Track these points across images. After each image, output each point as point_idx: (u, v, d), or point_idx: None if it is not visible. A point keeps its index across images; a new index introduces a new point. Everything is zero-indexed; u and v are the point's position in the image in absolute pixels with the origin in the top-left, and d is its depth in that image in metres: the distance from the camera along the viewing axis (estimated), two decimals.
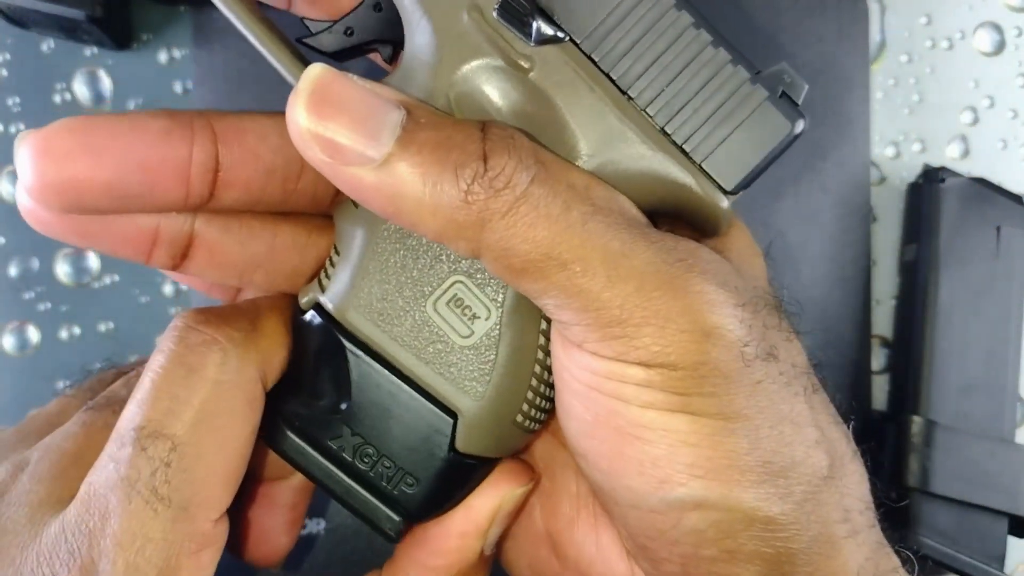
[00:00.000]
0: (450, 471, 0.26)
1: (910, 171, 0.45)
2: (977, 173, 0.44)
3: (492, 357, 0.26)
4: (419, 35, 0.25)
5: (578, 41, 0.24)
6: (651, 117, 0.24)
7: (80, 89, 0.42)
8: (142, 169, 0.24)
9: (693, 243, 0.24)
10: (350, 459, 0.26)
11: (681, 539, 0.24)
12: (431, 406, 0.26)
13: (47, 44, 0.43)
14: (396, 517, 0.27)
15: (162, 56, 0.43)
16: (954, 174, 0.43)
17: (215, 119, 0.25)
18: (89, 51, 0.43)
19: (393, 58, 0.27)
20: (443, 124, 0.23)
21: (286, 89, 0.29)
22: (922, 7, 0.45)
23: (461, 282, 0.26)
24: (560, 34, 0.24)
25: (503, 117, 0.25)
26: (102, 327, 0.42)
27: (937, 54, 0.45)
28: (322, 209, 0.28)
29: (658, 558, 0.25)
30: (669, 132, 0.24)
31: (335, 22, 0.26)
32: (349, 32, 0.26)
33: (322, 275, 0.27)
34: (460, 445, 0.26)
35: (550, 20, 0.24)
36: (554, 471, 0.29)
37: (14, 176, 0.42)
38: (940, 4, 0.45)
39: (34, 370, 0.42)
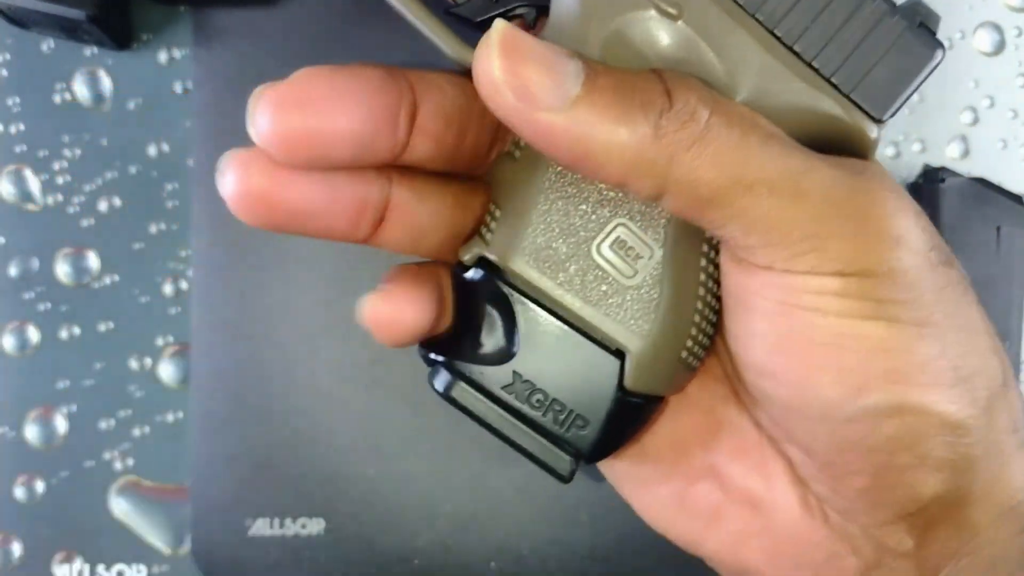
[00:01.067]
0: (620, 410, 0.27)
1: (910, 171, 0.45)
2: (977, 173, 0.44)
3: (656, 295, 0.26)
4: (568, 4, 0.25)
5: None
6: (798, 53, 0.25)
7: (80, 89, 0.42)
8: (372, 117, 0.24)
9: (863, 160, 0.25)
10: (521, 405, 0.27)
11: (878, 447, 0.24)
12: (599, 348, 0.26)
13: (47, 44, 0.43)
14: (568, 457, 0.27)
15: (162, 56, 0.43)
16: (954, 174, 0.43)
17: (407, 71, 0.26)
18: (89, 51, 0.43)
19: (535, 22, 0.28)
20: (620, 71, 0.24)
21: None
22: None
23: (624, 224, 0.26)
24: None
25: (657, 66, 0.25)
26: (102, 327, 0.42)
27: None
28: (479, 170, 0.28)
29: (847, 472, 0.25)
30: (817, 66, 0.25)
31: None
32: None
33: (483, 230, 0.28)
34: (629, 384, 0.26)
35: None
36: (712, 405, 0.29)
37: (14, 176, 0.42)
38: (940, 4, 0.45)
39: (34, 370, 0.42)
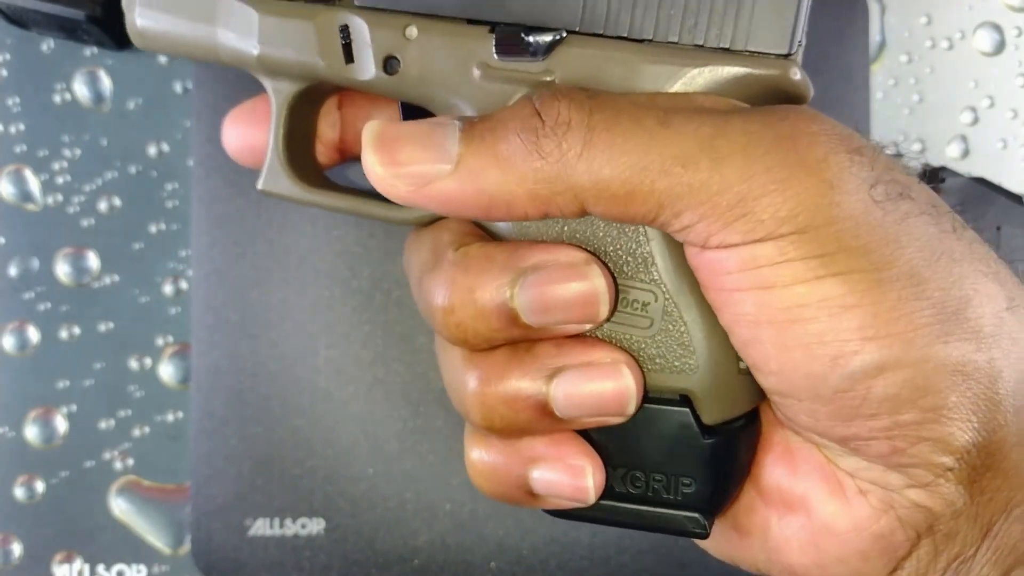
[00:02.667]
0: (715, 451, 0.26)
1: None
2: (977, 173, 0.44)
3: (683, 328, 0.25)
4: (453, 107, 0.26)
5: (577, 29, 0.25)
6: (678, 44, 0.24)
7: (80, 89, 0.42)
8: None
9: (788, 106, 0.24)
10: (625, 490, 0.26)
11: (877, 411, 0.22)
12: (663, 407, 0.26)
13: (47, 44, 0.43)
14: (695, 515, 0.26)
15: (162, 56, 0.43)
16: (954, 174, 0.43)
17: None
18: (89, 51, 0.43)
19: None
20: (497, 112, 0.24)
21: None
22: (922, 7, 0.45)
23: (621, 283, 0.26)
24: (558, 35, 0.25)
25: None
26: (102, 327, 0.42)
27: (937, 54, 0.45)
28: None
29: (862, 442, 0.23)
30: (703, 44, 0.24)
31: None
32: None
33: None
34: (708, 420, 0.26)
35: (541, 30, 0.25)
36: None
37: (14, 176, 0.42)
38: (940, 4, 0.45)
39: (34, 370, 0.42)
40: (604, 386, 0.24)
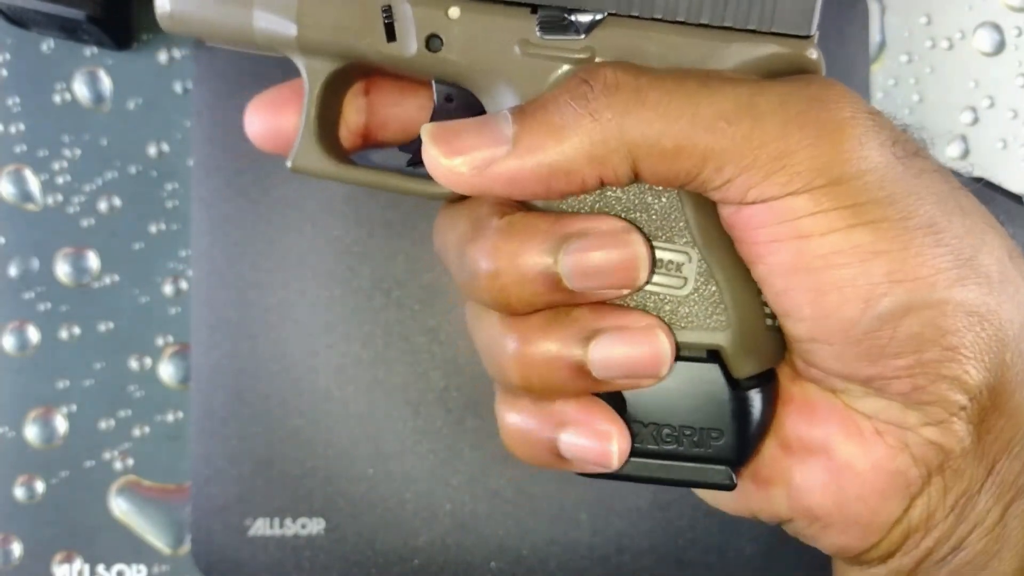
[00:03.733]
0: (742, 403, 0.27)
1: None
2: (977, 173, 0.44)
3: (714, 287, 0.27)
4: (496, 94, 0.27)
5: (615, 10, 0.26)
6: (708, 25, 0.26)
7: (80, 89, 0.42)
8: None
9: (809, 75, 0.26)
10: (656, 446, 0.28)
11: (902, 350, 0.24)
12: (694, 363, 0.27)
13: (47, 44, 0.43)
14: (723, 468, 0.28)
15: (162, 56, 0.43)
16: (954, 174, 0.43)
17: None
18: (89, 51, 0.43)
19: None
20: (544, 93, 0.25)
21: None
22: (922, 7, 0.45)
23: (653, 247, 0.27)
24: (598, 15, 0.26)
25: None
26: (102, 327, 0.42)
27: (937, 54, 0.45)
28: None
29: (886, 381, 0.25)
30: (731, 26, 0.26)
31: (413, 143, 0.30)
32: None
33: None
34: (737, 373, 0.27)
35: (582, 9, 0.26)
36: None
37: (14, 176, 0.42)
38: (940, 4, 0.45)
39: (34, 370, 0.42)
40: (639, 349, 0.26)
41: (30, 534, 0.42)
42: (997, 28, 0.45)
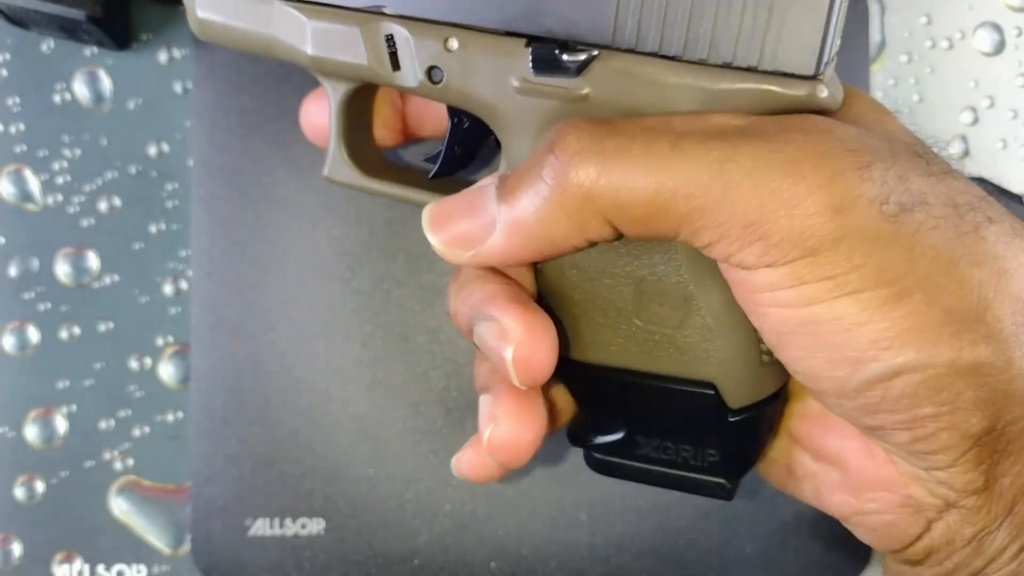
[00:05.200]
0: (736, 430, 0.28)
1: None
2: (977, 173, 0.44)
3: (710, 321, 0.27)
4: (503, 125, 0.27)
5: (609, 44, 0.25)
6: (707, 62, 0.25)
7: (80, 89, 0.42)
8: None
9: (802, 118, 0.24)
10: (657, 456, 0.29)
11: (896, 407, 0.24)
12: (690, 389, 0.28)
13: (47, 44, 0.43)
14: (720, 480, 0.29)
15: (162, 56, 0.43)
16: None
17: None
18: (89, 51, 0.43)
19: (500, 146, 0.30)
20: (525, 159, 0.26)
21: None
22: (922, 7, 0.45)
23: (643, 283, 0.27)
24: (592, 52, 0.25)
25: None
26: (102, 327, 0.42)
27: (937, 54, 0.45)
28: None
29: (885, 431, 0.25)
30: (731, 63, 0.24)
31: (440, 154, 0.32)
32: (457, 150, 0.32)
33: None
34: (733, 404, 0.28)
35: (575, 48, 0.25)
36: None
37: (14, 176, 0.42)
38: (940, 4, 0.45)
39: (34, 370, 0.42)
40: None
41: (30, 534, 0.42)
42: (997, 28, 0.45)
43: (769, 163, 0.23)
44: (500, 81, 0.26)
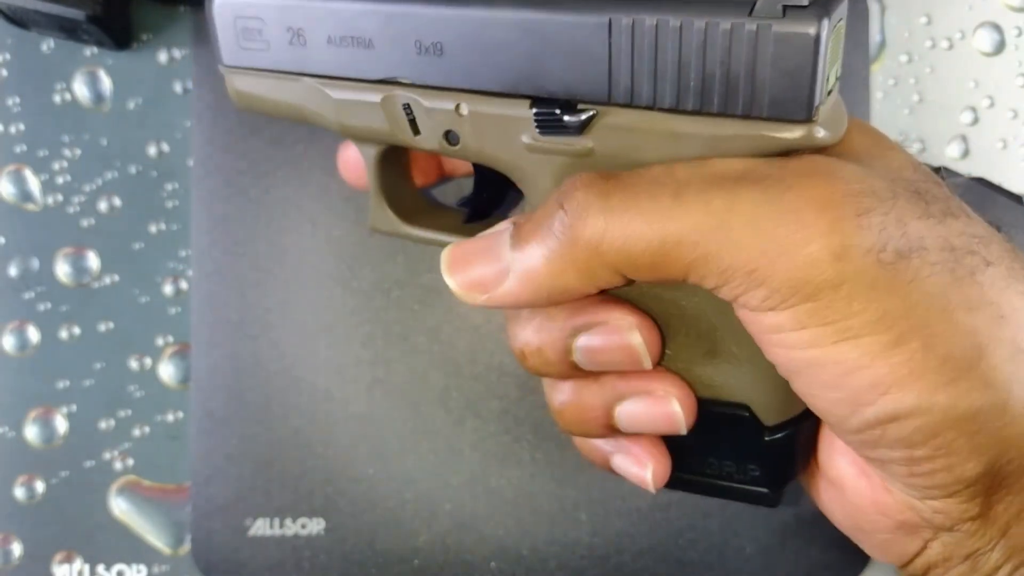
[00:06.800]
0: (775, 446, 0.29)
1: None
2: (977, 173, 0.44)
3: (734, 350, 0.28)
4: (521, 178, 0.29)
5: (606, 102, 0.26)
6: (701, 112, 0.25)
7: (80, 89, 0.42)
8: None
9: (804, 160, 0.24)
10: (701, 469, 0.31)
11: (893, 447, 0.24)
12: (727, 411, 0.29)
13: (47, 44, 0.43)
14: (763, 490, 0.30)
15: (162, 56, 0.43)
16: (954, 174, 0.43)
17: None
18: (89, 51, 0.43)
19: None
20: (538, 208, 0.27)
21: None
22: (922, 7, 0.45)
23: (667, 317, 0.28)
24: (592, 111, 0.26)
25: None
26: (102, 327, 0.42)
27: (937, 54, 0.45)
28: None
29: (884, 464, 0.26)
30: (726, 112, 0.24)
31: (473, 199, 0.34)
32: (485, 196, 0.33)
33: None
34: (768, 423, 0.28)
35: (575, 108, 0.26)
36: None
37: (14, 176, 0.42)
38: (940, 4, 0.45)
39: (34, 370, 0.42)
40: (658, 411, 0.29)
41: (30, 534, 0.42)
42: (997, 28, 0.45)
43: (769, 212, 0.23)
44: (511, 140, 0.28)
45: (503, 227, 0.28)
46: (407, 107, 0.29)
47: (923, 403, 0.23)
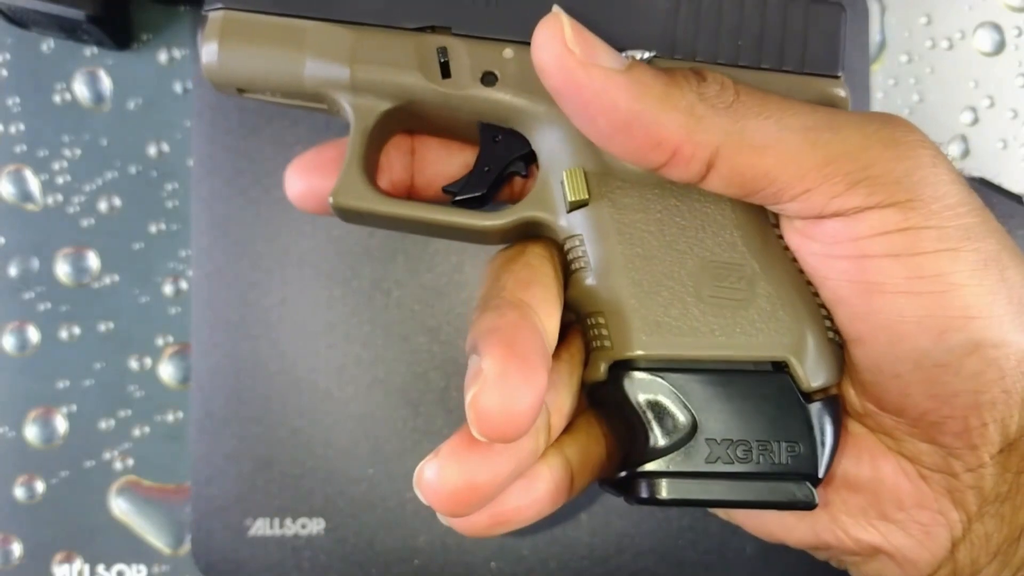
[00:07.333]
0: (817, 413, 0.27)
1: None
2: (977, 173, 0.44)
3: (774, 294, 0.27)
4: (543, 132, 0.29)
5: (657, 52, 0.28)
6: (747, 68, 0.28)
7: (80, 89, 0.42)
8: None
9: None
10: (734, 466, 0.27)
11: (963, 388, 0.24)
12: (761, 374, 0.27)
13: (47, 44, 0.43)
14: (804, 483, 0.27)
15: (162, 56, 0.43)
16: None
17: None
18: (89, 51, 0.43)
19: (526, 169, 0.31)
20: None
21: None
22: (922, 7, 0.45)
23: (703, 259, 0.27)
24: (644, 54, 0.27)
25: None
26: (102, 327, 0.42)
27: (937, 54, 0.45)
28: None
29: (941, 419, 0.25)
30: (767, 67, 0.28)
31: (471, 174, 0.31)
32: (488, 169, 0.30)
33: (597, 344, 0.28)
34: (805, 386, 0.27)
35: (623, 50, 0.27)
36: None
37: (14, 176, 0.42)
38: (940, 4, 0.45)
39: (34, 370, 0.42)
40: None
41: (30, 534, 0.42)
42: (997, 28, 0.45)
43: (870, 119, 0.25)
44: None
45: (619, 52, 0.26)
46: (443, 50, 0.29)
47: (1004, 334, 0.24)
